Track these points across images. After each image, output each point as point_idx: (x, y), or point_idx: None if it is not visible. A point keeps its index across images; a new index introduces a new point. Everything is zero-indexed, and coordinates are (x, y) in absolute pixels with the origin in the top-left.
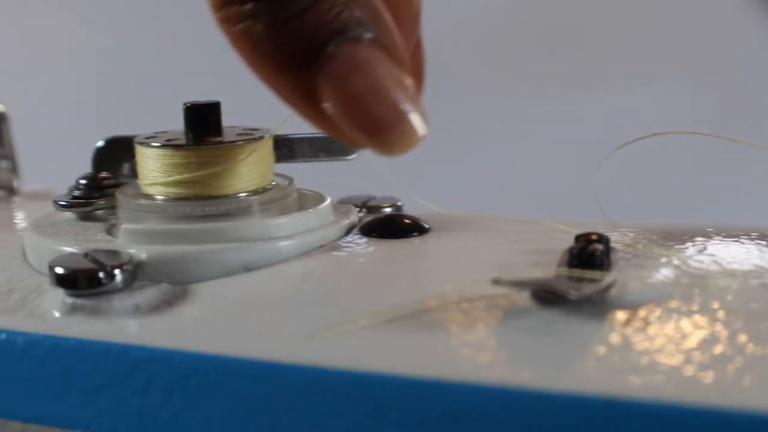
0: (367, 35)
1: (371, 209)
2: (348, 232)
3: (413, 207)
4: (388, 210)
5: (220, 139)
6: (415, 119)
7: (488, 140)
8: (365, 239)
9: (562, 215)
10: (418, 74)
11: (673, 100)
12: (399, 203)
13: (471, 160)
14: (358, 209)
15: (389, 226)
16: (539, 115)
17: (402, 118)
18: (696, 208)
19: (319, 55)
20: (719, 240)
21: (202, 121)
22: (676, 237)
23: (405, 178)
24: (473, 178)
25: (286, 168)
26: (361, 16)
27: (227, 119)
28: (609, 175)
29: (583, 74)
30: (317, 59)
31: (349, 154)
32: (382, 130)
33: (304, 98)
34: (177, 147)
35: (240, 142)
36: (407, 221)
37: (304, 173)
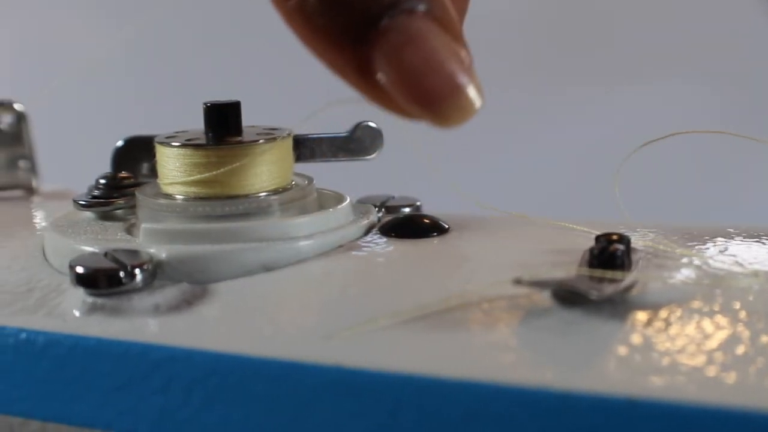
0: (421, 7)
1: (390, 209)
2: (367, 232)
3: (432, 207)
4: (407, 210)
5: (239, 138)
6: (471, 91)
7: (506, 140)
8: (385, 239)
9: (581, 215)
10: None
11: (691, 98)
12: (418, 203)
13: (489, 160)
14: (377, 209)
15: (409, 225)
16: (557, 115)
17: (457, 90)
18: (716, 209)
19: (373, 28)
20: (740, 240)
21: (222, 120)
22: (696, 237)
23: (421, 178)
24: (492, 179)
25: (306, 168)
26: None
27: (248, 119)
28: (628, 174)
29: (599, 73)
30: (371, 32)
31: (368, 154)
32: (437, 101)
33: (359, 71)
34: (197, 146)
35: (260, 142)
36: (427, 221)
37: (325, 173)
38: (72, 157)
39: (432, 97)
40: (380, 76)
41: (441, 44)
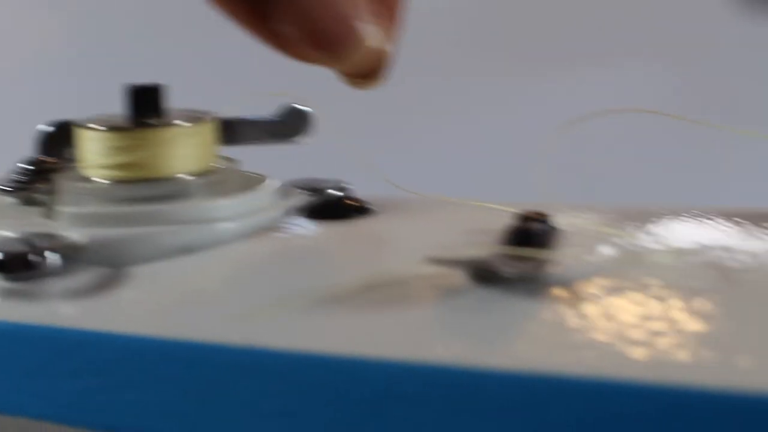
0: None
1: (317, 192)
2: (291, 214)
3: (364, 191)
4: (333, 192)
5: (160, 121)
6: (372, 33)
7: (442, 122)
8: (307, 221)
9: (516, 197)
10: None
11: (639, 83)
12: (344, 185)
13: (425, 143)
14: (304, 192)
15: (332, 207)
16: (496, 97)
17: (355, 32)
18: (654, 190)
19: None
20: (663, 220)
21: (144, 103)
22: (623, 217)
23: (357, 160)
24: (428, 161)
25: (240, 152)
26: None
27: (179, 104)
28: (565, 156)
29: (548, 57)
30: None
31: (297, 137)
32: (336, 45)
33: (259, 20)
34: (116, 129)
35: (180, 124)
36: (350, 203)
37: (260, 158)
38: None
39: (330, 41)
40: (276, 23)
41: None
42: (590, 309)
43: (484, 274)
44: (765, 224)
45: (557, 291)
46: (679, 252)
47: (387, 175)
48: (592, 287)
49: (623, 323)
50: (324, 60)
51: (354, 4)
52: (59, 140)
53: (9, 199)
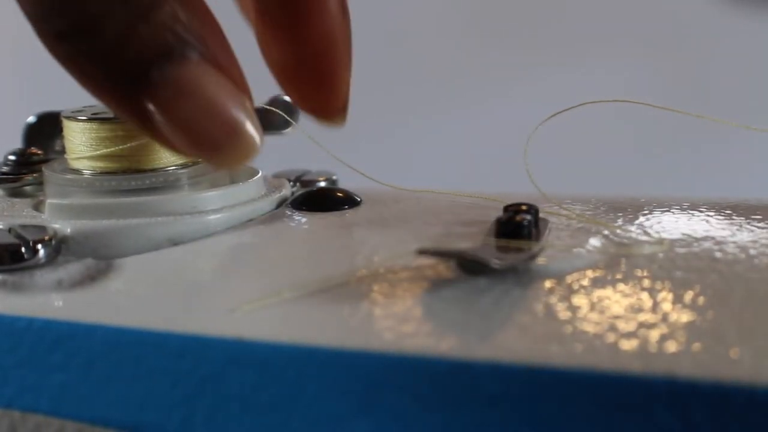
0: (193, 54)
1: (305, 183)
2: (279, 205)
3: (351, 182)
4: (322, 184)
5: None
6: (249, 133)
7: (430, 115)
8: (296, 212)
9: (505, 189)
10: (343, 43)
11: (622, 77)
12: (334, 177)
13: (414, 135)
14: (291, 183)
15: (320, 199)
16: (482, 90)
17: (235, 135)
18: (643, 181)
19: (144, 80)
20: (651, 211)
21: None
22: (608, 208)
23: (344, 153)
24: (416, 154)
25: None
26: (184, 34)
27: None
28: (554, 147)
29: (529, 50)
30: (143, 84)
31: (282, 129)
32: (216, 148)
33: (138, 119)
34: (103, 120)
35: None
36: (338, 194)
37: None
38: None
39: (210, 145)
40: (159, 126)
41: (216, 91)
42: (579, 300)
43: (472, 266)
44: (754, 216)
45: (546, 282)
46: (668, 243)
47: (363, 171)
48: (581, 278)
49: (612, 314)
50: (207, 161)
51: (235, 103)
52: (46, 132)
53: None
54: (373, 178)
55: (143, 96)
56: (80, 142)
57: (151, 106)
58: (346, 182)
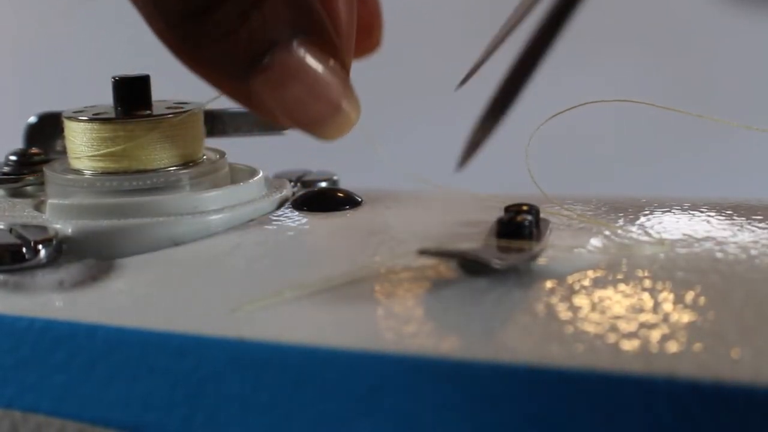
0: (300, 37)
1: (306, 183)
2: (280, 206)
3: (354, 182)
4: (323, 184)
5: (148, 112)
6: (349, 108)
7: (430, 114)
8: (297, 213)
9: (506, 189)
10: (373, 20)
11: (628, 78)
12: (335, 177)
13: (414, 135)
14: (292, 183)
15: (321, 199)
16: (482, 90)
17: (336, 112)
18: (645, 182)
19: (257, 66)
20: (651, 211)
21: (131, 94)
22: (609, 208)
23: (345, 153)
24: (417, 153)
25: (229, 144)
26: (292, 19)
27: (164, 95)
28: (555, 147)
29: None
30: (255, 70)
31: (282, 129)
32: (319, 125)
33: (250, 102)
34: (104, 120)
35: (168, 115)
36: (339, 195)
37: (248, 149)
38: None
39: (314, 123)
40: (268, 106)
41: (318, 73)
42: (580, 300)
43: (474, 266)
44: (755, 216)
45: (547, 283)
46: (669, 244)
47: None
48: (582, 279)
49: (613, 315)
50: (311, 135)
51: (337, 82)
52: (47, 132)
53: None
54: (417, 175)
55: (255, 81)
56: (81, 143)
57: (260, 90)
58: (347, 182)
